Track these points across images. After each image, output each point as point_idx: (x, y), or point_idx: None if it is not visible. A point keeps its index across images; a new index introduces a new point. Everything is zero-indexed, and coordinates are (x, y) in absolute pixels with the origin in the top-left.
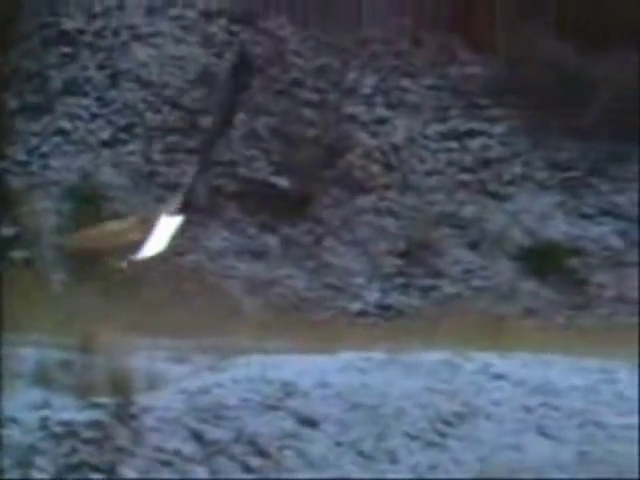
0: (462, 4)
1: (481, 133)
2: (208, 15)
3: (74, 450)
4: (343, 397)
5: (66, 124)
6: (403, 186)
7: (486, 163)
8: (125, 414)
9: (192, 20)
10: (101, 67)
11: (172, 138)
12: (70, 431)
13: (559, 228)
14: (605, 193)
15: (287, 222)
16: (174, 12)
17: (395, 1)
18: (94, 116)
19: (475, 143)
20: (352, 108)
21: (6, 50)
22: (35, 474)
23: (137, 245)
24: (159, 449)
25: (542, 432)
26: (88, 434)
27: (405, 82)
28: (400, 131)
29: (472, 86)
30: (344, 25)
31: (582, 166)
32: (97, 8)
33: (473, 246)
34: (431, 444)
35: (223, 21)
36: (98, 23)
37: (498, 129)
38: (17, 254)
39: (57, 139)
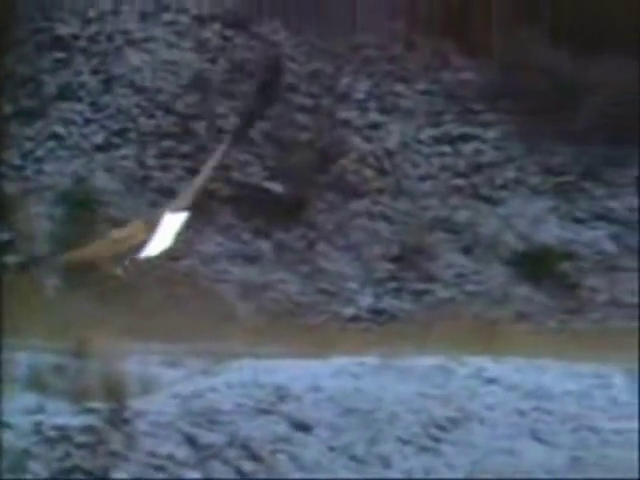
0: (456, 9)
1: (474, 138)
2: (201, 20)
3: (68, 454)
4: (336, 402)
5: (60, 129)
6: (396, 191)
7: (479, 168)
8: (118, 419)
9: (185, 25)
10: (95, 72)
11: (165, 143)
12: (64, 435)
13: (552, 232)
14: (598, 197)
15: (281, 227)
16: (167, 17)
17: (389, 6)
18: (88, 121)
19: (468, 148)
20: (346, 113)
21: (1, 55)
22: (29, 478)
23: (140, 247)
24: (152, 453)
25: (535, 437)
26: (82, 438)
27: (399, 87)
28: (394, 136)
29: (466, 91)
30: (338, 30)
31: (575, 171)
32: (91, 13)
33: (466, 250)
34: (424, 449)
35: (217, 26)
36: (92, 28)
37: (491, 134)
38: (11, 259)
39: (51, 144)
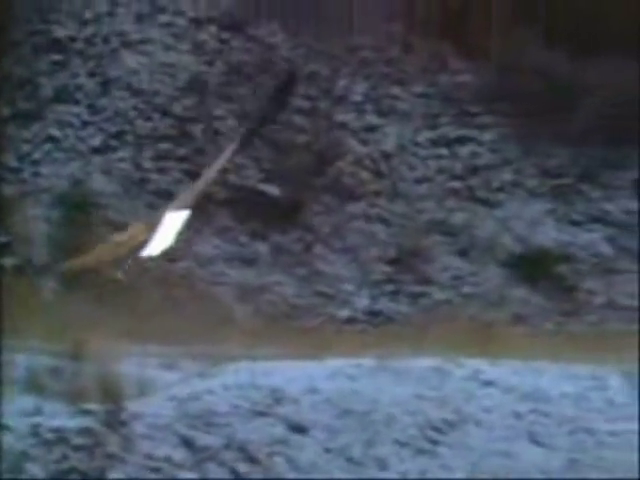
0: (453, 11)
1: (471, 140)
2: (198, 22)
3: (65, 456)
4: (333, 404)
5: (57, 131)
6: (393, 193)
7: (476, 170)
8: (115, 421)
9: (182, 28)
10: (92, 74)
11: (162, 145)
12: (61, 437)
13: (549, 235)
14: (595, 200)
15: (277, 229)
16: (164, 19)
17: (386, 8)
18: (85, 123)
19: (465, 150)
20: (342, 115)
21: None
22: None
23: (141, 248)
24: (149, 456)
25: (532, 439)
26: (79, 440)
27: (395, 90)
28: (390, 138)
29: (462, 93)
30: (335, 32)
31: (572, 173)
32: (87, 15)
33: (463, 253)
34: (421, 451)
35: (213, 28)
36: (89, 30)
37: (488, 136)
38: (8, 261)
39: (48, 146)
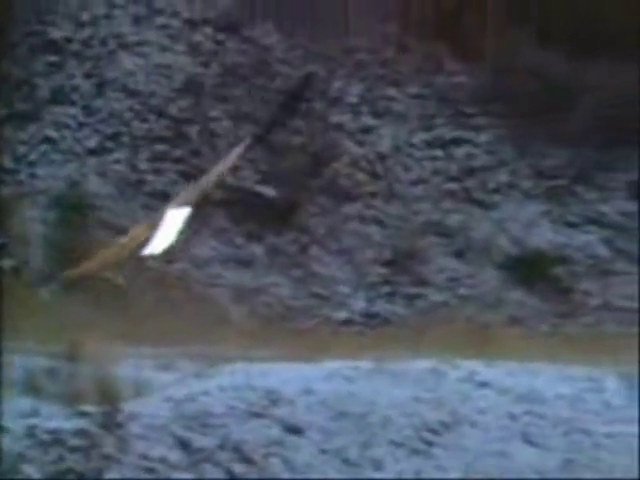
0: (448, 12)
1: (467, 142)
2: (193, 24)
3: (61, 458)
4: (329, 405)
5: (53, 133)
6: (389, 195)
7: (472, 171)
8: (111, 422)
9: (178, 29)
10: (88, 76)
11: (158, 147)
12: (57, 439)
13: (545, 236)
14: (591, 201)
15: (273, 231)
16: (160, 21)
17: (381, 9)
18: (81, 125)
19: (461, 151)
20: (338, 117)
21: None
22: None
23: (143, 247)
24: (145, 457)
25: (528, 440)
26: (75, 442)
27: (391, 91)
28: (386, 140)
29: (458, 94)
30: (330, 33)
31: (568, 174)
32: (84, 17)
33: (459, 254)
34: (416, 452)
35: (209, 30)
36: (85, 32)
37: (484, 137)
38: (5, 263)
39: (44, 147)
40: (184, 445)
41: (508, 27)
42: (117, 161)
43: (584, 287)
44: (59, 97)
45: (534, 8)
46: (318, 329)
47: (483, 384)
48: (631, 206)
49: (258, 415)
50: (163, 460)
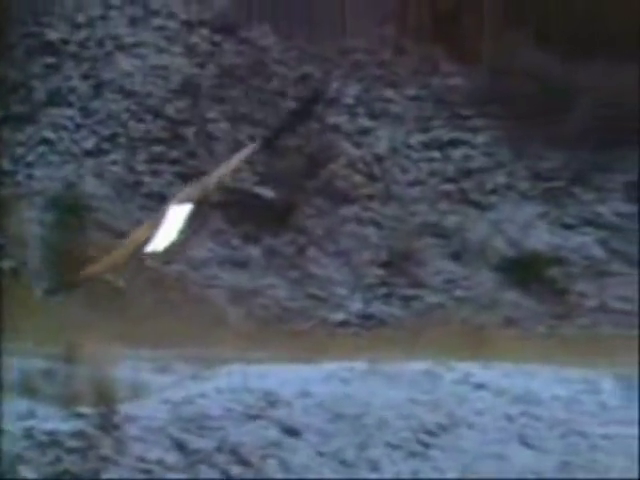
0: (445, 14)
1: (464, 143)
2: (190, 25)
3: (58, 459)
4: (325, 407)
5: (50, 134)
6: (386, 196)
7: (469, 173)
8: (109, 424)
9: (174, 30)
10: (85, 77)
11: (155, 148)
12: (54, 440)
13: (541, 238)
14: (587, 203)
15: (270, 232)
16: (157, 22)
17: (378, 11)
18: (78, 126)
19: (458, 153)
20: (335, 118)
21: None
22: None
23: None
24: (142, 458)
25: (524, 442)
26: (72, 443)
27: (388, 92)
28: (383, 141)
29: (455, 96)
30: (328, 35)
31: (565, 176)
32: (81, 18)
33: (455, 256)
34: (413, 454)
35: (205, 31)
36: (82, 33)
37: (481, 139)
38: (4, 264)
39: (42, 149)
40: (181, 447)
41: (505, 29)
42: (114, 162)
43: (580, 288)
44: (56, 99)
45: (531, 10)
46: (315, 330)
47: (479, 386)
48: (627, 207)
49: (255, 417)
50: (160, 462)
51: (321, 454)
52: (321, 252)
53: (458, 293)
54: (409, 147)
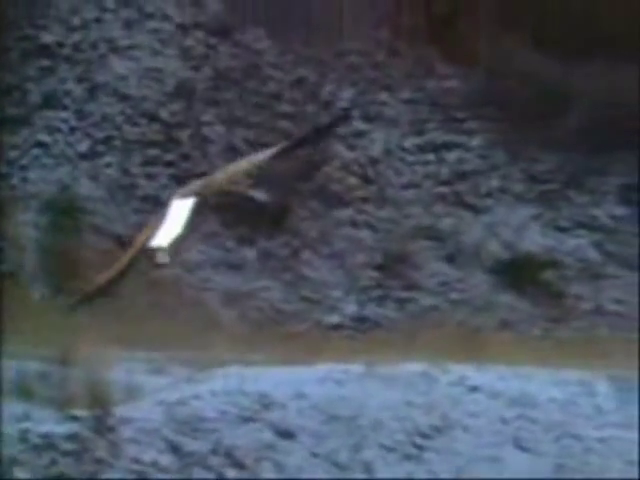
0: (441, 16)
1: (458, 146)
2: (185, 28)
3: (53, 462)
4: (320, 409)
5: (45, 137)
6: (380, 199)
7: (463, 176)
8: (103, 426)
9: (169, 33)
10: (80, 80)
11: (150, 151)
12: (49, 443)
13: (536, 240)
14: (582, 205)
15: (264, 235)
16: (151, 25)
17: (373, 13)
18: (73, 129)
19: (452, 156)
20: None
21: None
22: None
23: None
24: (137, 461)
25: (519, 444)
26: (67, 446)
27: (382, 95)
28: (377, 144)
29: (449, 99)
30: (324, 37)
31: (559, 178)
32: (75, 21)
33: (450, 259)
34: (407, 456)
35: (200, 34)
36: (76, 36)
37: (475, 142)
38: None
39: (36, 152)
40: (176, 449)
41: (501, 31)
42: (109, 165)
43: (575, 291)
44: (51, 101)
45: (528, 11)
46: (309, 333)
47: (474, 388)
48: (622, 210)
49: (250, 419)
50: (155, 464)
51: (315, 456)
52: (315, 255)
53: (453, 296)
54: (404, 150)
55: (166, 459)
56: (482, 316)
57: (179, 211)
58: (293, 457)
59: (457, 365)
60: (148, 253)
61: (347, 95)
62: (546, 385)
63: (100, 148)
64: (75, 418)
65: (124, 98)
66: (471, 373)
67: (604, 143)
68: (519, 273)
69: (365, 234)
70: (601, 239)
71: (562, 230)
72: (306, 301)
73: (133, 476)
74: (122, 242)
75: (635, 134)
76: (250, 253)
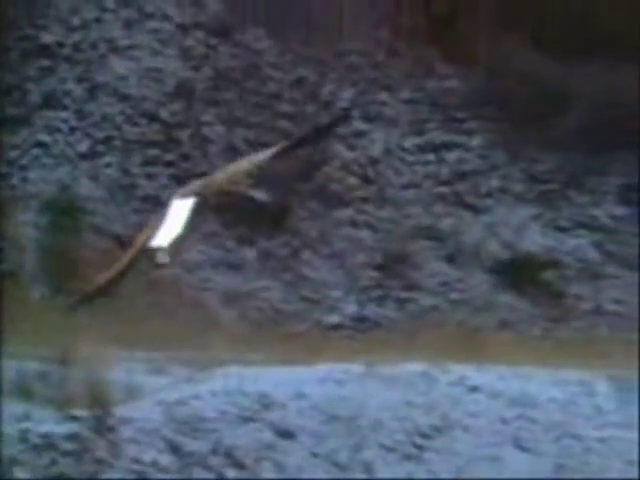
0: (440, 16)
1: (458, 146)
2: (185, 28)
3: (53, 462)
4: (320, 409)
5: (45, 137)
6: (380, 199)
7: (463, 176)
8: (103, 426)
9: (169, 33)
10: (80, 80)
11: (150, 151)
12: (49, 443)
13: (536, 240)
14: (581, 205)
15: (264, 235)
16: (151, 25)
17: (373, 13)
18: (73, 129)
19: (452, 156)
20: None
21: None
22: None
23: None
24: (137, 460)
25: (519, 444)
26: (67, 446)
27: (382, 95)
28: (377, 144)
29: (449, 99)
30: (324, 38)
31: (559, 178)
32: (75, 22)
33: (450, 259)
34: (407, 456)
35: (200, 34)
36: (76, 36)
37: (475, 142)
38: (0, 267)
39: (36, 151)
40: (176, 449)
41: (501, 31)
42: (109, 165)
43: (575, 291)
44: (51, 101)
45: (527, 11)
46: (309, 333)
47: (474, 388)
48: (621, 210)
49: (250, 419)
50: (155, 464)
51: (315, 456)
52: (315, 255)
53: (453, 296)
54: (403, 150)
55: (166, 459)
56: (482, 316)
57: (179, 211)
58: (293, 457)
59: (457, 365)
60: (148, 253)
61: (347, 95)
62: (546, 385)
63: (100, 148)
64: (75, 418)
65: (124, 98)
66: (471, 373)
67: (604, 143)
68: (519, 273)
69: (365, 234)
70: (601, 239)
71: (562, 230)
72: (306, 301)
73: (133, 476)
74: (122, 242)
75: (635, 134)
76: (250, 253)
